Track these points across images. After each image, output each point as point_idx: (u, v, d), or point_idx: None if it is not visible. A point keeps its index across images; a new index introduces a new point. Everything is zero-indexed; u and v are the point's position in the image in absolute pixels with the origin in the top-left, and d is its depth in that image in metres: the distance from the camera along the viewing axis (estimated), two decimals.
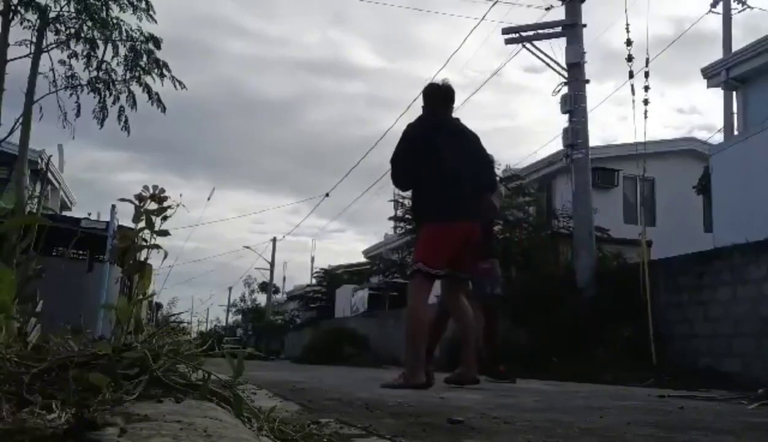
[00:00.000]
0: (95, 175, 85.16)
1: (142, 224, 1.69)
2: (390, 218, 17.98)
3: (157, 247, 1.69)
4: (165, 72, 8.95)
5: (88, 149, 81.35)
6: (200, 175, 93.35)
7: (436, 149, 4.55)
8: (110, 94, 9.01)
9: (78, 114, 9.14)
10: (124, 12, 8.72)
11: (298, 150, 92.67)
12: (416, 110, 4.98)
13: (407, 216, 15.64)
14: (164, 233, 1.68)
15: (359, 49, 79.40)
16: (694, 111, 63.23)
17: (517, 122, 69.56)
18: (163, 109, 9.17)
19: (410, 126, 4.70)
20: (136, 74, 8.95)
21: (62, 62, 8.97)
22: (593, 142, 15.33)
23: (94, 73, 8.96)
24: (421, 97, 4.90)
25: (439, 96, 4.74)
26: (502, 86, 65.96)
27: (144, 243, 1.71)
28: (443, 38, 66.89)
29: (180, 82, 9.13)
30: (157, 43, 8.89)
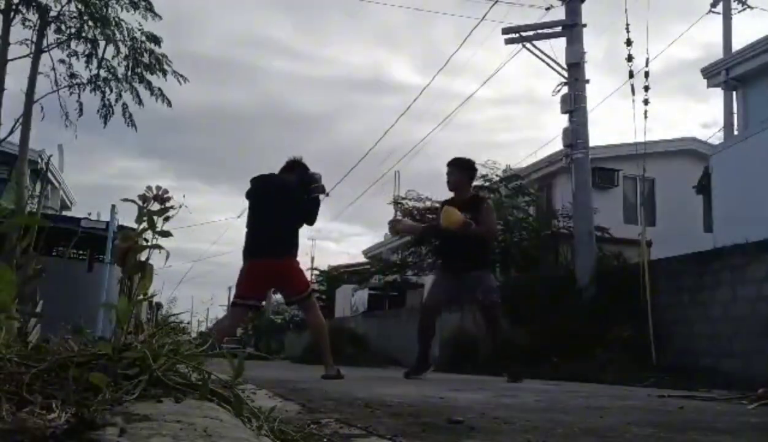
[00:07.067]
0: (126, 182, 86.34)
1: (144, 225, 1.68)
2: (390, 221, 17.95)
3: (159, 247, 1.69)
4: (166, 65, 8.93)
5: (123, 158, 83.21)
6: (227, 183, 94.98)
7: None
8: (111, 91, 9.01)
9: (81, 113, 9.13)
10: (127, 12, 8.71)
11: (328, 160, 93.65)
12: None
13: (406, 217, 15.65)
14: (166, 234, 1.68)
15: (399, 67, 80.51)
16: (717, 125, 63.95)
17: (545, 133, 71.62)
18: (168, 104, 9.13)
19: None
20: (138, 72, 8.93)
21: (62, 61, 8.97)
22: (599, 142, 15.39)
23: (95, 72, 8.95)
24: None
25: None
26: (533, 101, 67.38)
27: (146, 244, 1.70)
28: (477, 57, 67.84)
29: (182, 76, 9.10)
30: (157, 41, 8.88)
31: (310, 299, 5.86)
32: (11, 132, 8.49)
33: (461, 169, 6.06)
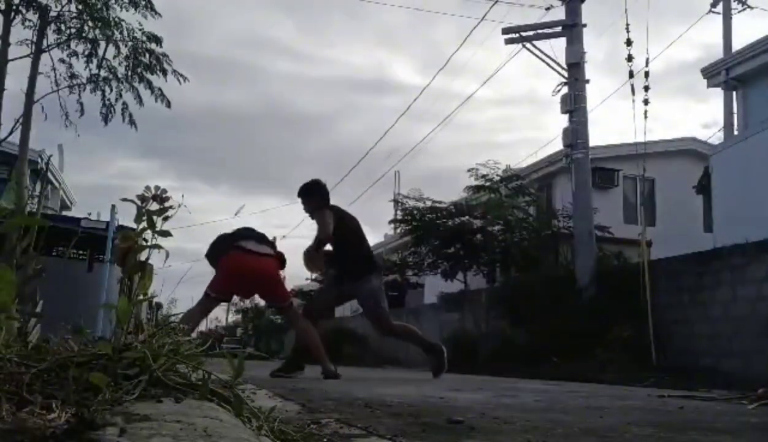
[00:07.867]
0: (126, 182, 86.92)
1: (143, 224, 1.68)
2: (390, 222, 17.99)
3: (158, 247, 1.69)
4: (167, 65, 8.91)
5: (123, 158, 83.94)
6: (227, 183, 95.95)
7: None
8: (111, 91, 8.99)
9: (82, 113, 9.11)
10: (126, 11, 8.70)
11: (329, 160, 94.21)
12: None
13: (407, 217, 15.69)
14: (166, 234, 1.68)
15: (400, 67, 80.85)
16: (717, 125, 63.86)
17: (545, 133, 72.12)
18: (168, 105, 9.12)
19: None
20: (138, 72, 8.92)
21: (62, 61, 8.96)
22: (599, 142, 15.39)
23: (95, 71, 8.94)
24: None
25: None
26: (534, 102, 67.64)
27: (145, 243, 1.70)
28: (477, 57, 67.87)
29: (182, 76, 9.08)
30: (158, 41, 8.87)
31: (291, 309, 6.11)
32: (11, 132, 8.48)
33: (308, 197, 6.06)
